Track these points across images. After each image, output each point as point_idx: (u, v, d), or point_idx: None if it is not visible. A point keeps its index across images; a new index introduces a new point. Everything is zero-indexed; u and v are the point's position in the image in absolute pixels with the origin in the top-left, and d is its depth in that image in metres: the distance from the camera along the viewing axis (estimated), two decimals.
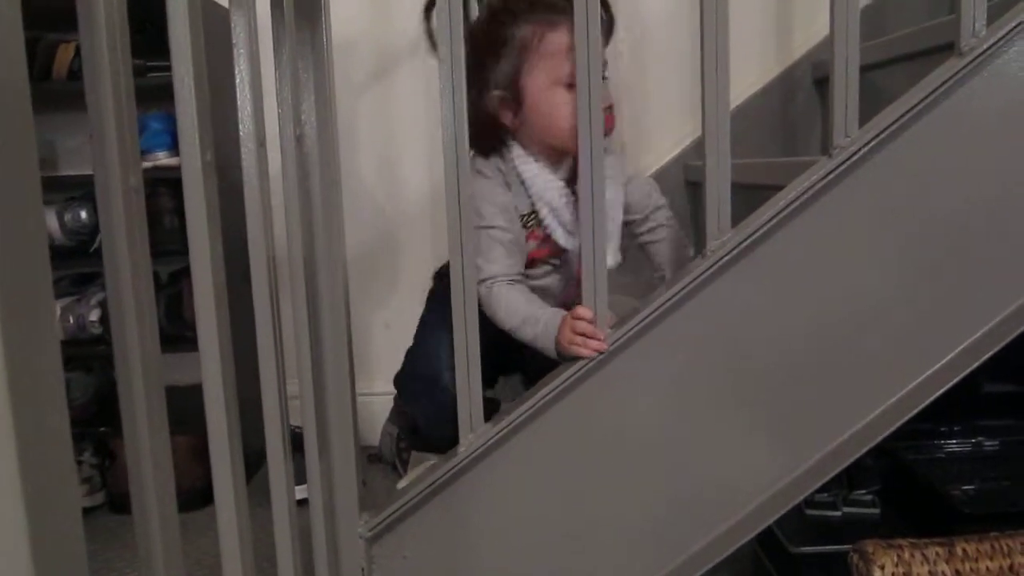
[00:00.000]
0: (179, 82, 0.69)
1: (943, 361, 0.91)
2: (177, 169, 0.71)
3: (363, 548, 0.97)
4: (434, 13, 0.93)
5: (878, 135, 0.88)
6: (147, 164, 1.64)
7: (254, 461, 0.98)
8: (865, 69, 0.90)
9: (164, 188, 1.69)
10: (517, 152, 1.08)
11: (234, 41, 0.77)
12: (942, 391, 0.91)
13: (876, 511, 1.31)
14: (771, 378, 0.94)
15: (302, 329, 0.89)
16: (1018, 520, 1.10)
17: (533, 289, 1.09)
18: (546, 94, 1.04)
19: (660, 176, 1.77)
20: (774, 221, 0.90)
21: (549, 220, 1.07)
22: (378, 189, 1.88)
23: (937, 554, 0.91)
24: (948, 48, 0.89)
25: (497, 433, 0.94)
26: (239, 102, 0.78)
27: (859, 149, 0.88)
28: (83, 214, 1.73)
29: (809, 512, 1.29)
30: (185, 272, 0.77)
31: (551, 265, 1.15)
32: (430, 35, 1.06)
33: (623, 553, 0.97)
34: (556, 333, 0.96)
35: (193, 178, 0.71)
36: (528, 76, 1.05)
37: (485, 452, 0.95)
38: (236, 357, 0.76)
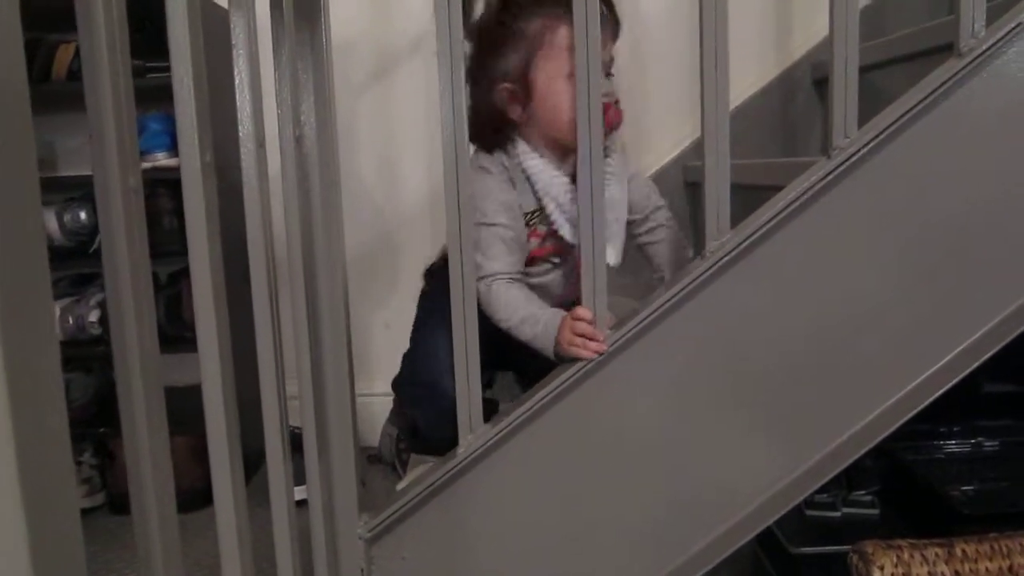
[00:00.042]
0: (178, 83, 0.69)
1: (942, 362, 0.91)
2: (176, 170, 0.71)
3: (362, 549, 0.97)
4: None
5: (877, 136, 0.88)
6: (146, 165, 1.64)
7: (253, 462, 0.98)
8: (864, 70, 0.90)
9: (163, 189, 1.69)
10: (522, 148, 1.08)
11: (233, 42, 0.77)
12: (941, 392, 0.91)
13: (875, 512, 1.31)
14: (770, 379, 0.94)
15: (301, 329, 0.89)
16: (1017, 521, 1.10)
17: (532, 287, 1.08)
18: (555, 87, 1.04)
19: (659, 176, 1.77)
20: (773, 222, 0.90)
21: (556, 216, 1.07)
22: (378, 189, 1.88)
23: (936, 555, 0.91)
24: (947, 49, 0.89)
25: (496, 434, 0.94)
26: (238, 103, 0.78)
27: (858, 150, 0.88)
28: (82, 215, 1.73)
29: (809, 513, 1.29)
30: (185, 273, 0.77)
31: (551, 263, 1.15)
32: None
33: (623, 554, 0.97)
34: (555, 334, 0.96)
35: (192, 179, 0.71)
36: (537, 69, 1.05)
37: (484, 453, 0.95)
38: (235, 357, 0.76)
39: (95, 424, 1.75)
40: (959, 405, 1.26)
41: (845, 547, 0.98)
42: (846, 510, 1.31)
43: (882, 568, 0.90)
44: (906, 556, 0.90)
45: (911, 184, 0.90)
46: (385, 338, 1.86)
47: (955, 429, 1.44)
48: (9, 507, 0.45)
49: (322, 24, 0.89)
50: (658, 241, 1.19)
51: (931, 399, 0.92)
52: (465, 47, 1.08)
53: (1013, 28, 0.86)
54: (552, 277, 1.15)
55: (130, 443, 0.66)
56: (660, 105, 1.81)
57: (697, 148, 0.93)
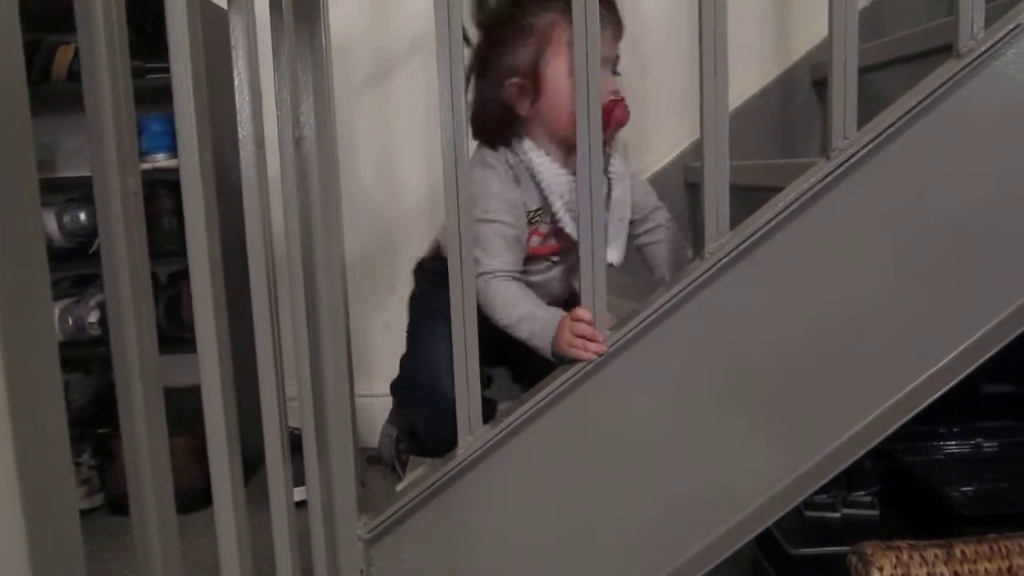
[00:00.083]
0: (177, 83, 0.69)
1: (941, 363, 0.91)
2: (177, 171, 0.71)
3: (362, 550, 0.97)
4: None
5: (876, 137, 0.88)
6: (146, 166, 1.65)
7: (253, 462, 0.98)
8: (864, 71, 0.90)
9: (164, 189, 1.69)
10: (528, 145, 1.08)
11: (233, 43, 0.78)
12: (940, 393, 0.91)
13: (875, 513, 1.31)
14: (770, 380, 0.94)
15: (301, 330, 0.89)
16: (1017, 521, 1.10)
17: (530, 285, 1.08)
18: (565, 83, 1.03)
19: (659, 177, 1.77)
20: (772, 223, 0.90)
21: (562, 214, 1.06)
22: (377, 190, 1.88)
23: (936, 556, 0.91)
24: (946, 50, 0.89)
25: (495, 435, 0.94)
26: (238, 104, 0.78)
27: (857, 151, 0.88)
28: (82, 216, 1.74)
29: (808, 514, 1.29)
30: (184, 273, 0.77)
31: (550, 262, 1.15)
32: (465, 35, 1.06)
33: (622, 555, 0.97)
34: (554, 333, 0.96)
35: (191, 180, 0.71)
36: (547, 65, 1.04)
37: (484, 454, 0.95)
38: (235, 358, 0.76)
39: (94, 425, 1.75)
40: (958, 406, 1.26)
41: (844, 548, 0.98)
42: (845, 511, 1.31)
43: (881, 569, 0.90)
44: (905, 557, 0.90)
45: (910, 185, 0.90)
46: (384, 339, 1.86)
47: (954, 430, 1.44)
48: (8, 508, 0.45)
49: (321, 25, 0.89)
50: (657, 241, 1.19)
51: (930, 400, 0.92)
52: (473, 41, 1.09)
53: (1012, 29, 0.86)
54: (550, 275, 1.15)
55: (129, 444, 0.66)
56: (660, 105, 1.81)
57: (697, 149, 0.93)
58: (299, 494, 0.90)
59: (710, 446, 0.95)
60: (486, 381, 1.10)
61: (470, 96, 1.10)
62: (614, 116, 1.04)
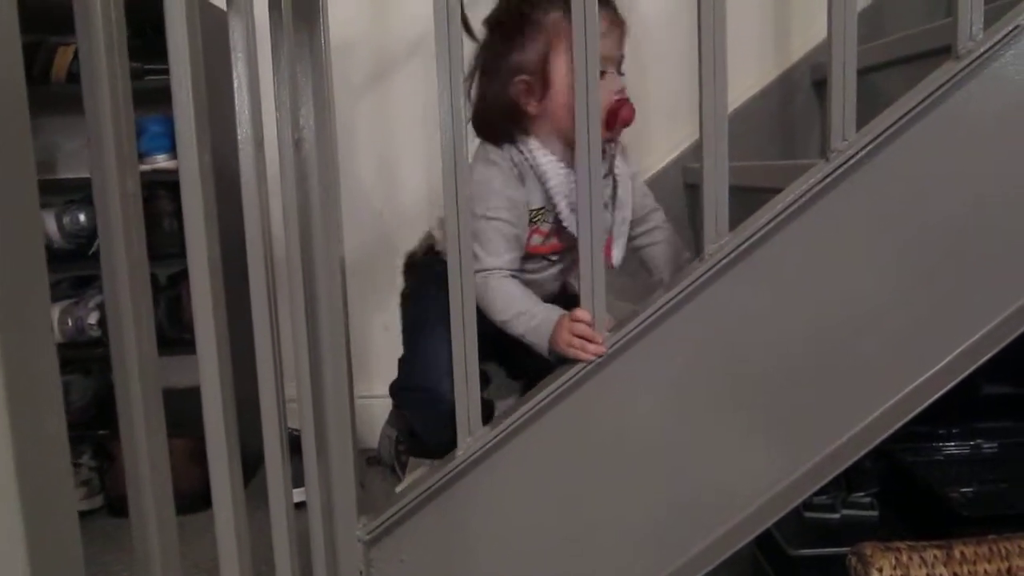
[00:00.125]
0: (177, 85, 0.69)
1: (940, 365, 0.91)
2: (176, 172, 0.71)
3: (361, 551, 0.97)
4: None
5: (875, 139, 0.88)
6: (146, 167, 1.65)
7: (252, 464, 0.98)
8: (863, 71, 0.90)
9: (163, 191, 1.69)
10: (534, 143, 1.07)
11: (232, 45, 0.78)
12: (940, 394, 0.91)
13: (875, 513, 1.31)
14: (769, 381, 0.94)
15: (300, 331, 0.89)
16: (1016, 522, 1.10)
17: (525, 283, 1.08)
18: (573, 82, 1.04)
19: (659, 178, 1.77)
20: (771, 224, 0.90)
21: (567, 214, 1.06)
22: (377, 191, 1.88)
23: (935, 557, 0.91)
24: (945, 51, 0.89)
25: (495, 436, 0.94)
26: (237, 105, 0.78)
27: (856, 153, 0.88)
28: (82, 217, 1.73)
29: (808, 515, 1.29)
30: (185, 275, 0.77)
31: (548, 260, 1.15)
32: (465, 22, 1.06)
33: (622, 556, 0.97)
34: (551, 331, 0.96)
35: (191, 181, 0.71)
36: (556, 62, 1.04)
37: (483, 456, 0.95)
38: (234, 359, 0.76)
39: (94, 426, 1.75)
40: (958, 407, 1.26)
41: (844, 549, 0.98)
42: (845, 512, 1.31)
43: (880, 570, 0.90)
44: (904, 558, 0.90)
45: (909, 186, 0.90)
46: (384, 340, 1.86)
47: (954, 431, 1.44)
48: (7, 509, 0.45)
49: (321, 26, 0.89)
50: (655, 243, 1.19)
51: (930, 401, 0.92)
52: (478, 37, 1.09)
53: (1011, 31, 0.86)
54: (546, 274, 1.15)
55: (128, 445, 0.67)
56: (660, 106, 1.81)
57: (697, 150, 0.93)
58: (298, 495, 0.90)
59: (710, 447, 0.95)
60: (484, 381, 1.10)
61: (473, 93, 1.10)
62: (620, 116, 1.04)
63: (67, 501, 0.50)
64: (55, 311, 1.67)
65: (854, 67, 0.88)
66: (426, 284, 1.14)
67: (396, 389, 1.21)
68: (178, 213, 1.57)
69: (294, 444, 0.89)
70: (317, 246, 0.91)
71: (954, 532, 1.03)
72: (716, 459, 0.95)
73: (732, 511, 0.94)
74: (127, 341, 0.64)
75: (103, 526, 1.63)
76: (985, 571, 0.91)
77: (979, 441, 1.43)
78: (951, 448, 1.43)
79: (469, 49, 0.95)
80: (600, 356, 0.92)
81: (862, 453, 0.93)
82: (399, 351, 1.21)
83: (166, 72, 0.70)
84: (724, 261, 0.90)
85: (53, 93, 1.68)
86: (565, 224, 1.07)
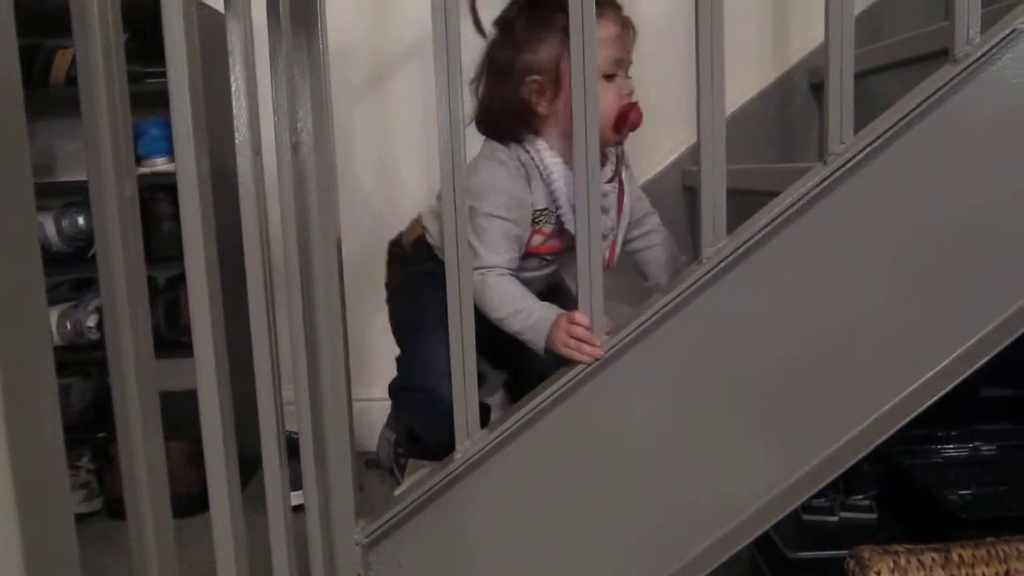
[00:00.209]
0: (174, 88, 0.69)
1: (938, 368, 0.91)
2: (175, 175, 0.71)
3: (359, 555, 0.97)
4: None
5: (873, 142, 0.88)
6: (145, 170, 1.65)
7: (250, 466, 0.98)
8: (861, 75, 0.90)
9: (163, 194, 1.69)
10: (541, 145, 1.07)
11: (230, 48, 0.78)
12: (937, 397, 0.91)
13: (873, 516, 1.31)
14: (767, 384, 0.94)
15: (298, 334, 0.89)
16: (1015, 525, 1.10)
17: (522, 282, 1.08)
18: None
19: (658, 181, 1.77)
20: (769, 228, 0.90)
21: (570, 217, 1.06)
22: (375, 193, 1.88)
23: (933, 560, 0.91)
24: (943, 54, 0.89)
25: (493, 439, 0.94)
26: (235, 109, 0.78)
27: (854, 156, 0.88)
28: (80, 220, 1.73)
29: (806, 517, 1.29)
30: (183, 277, 0.77)
31: (545, 260, 1.15)
32: (476, 20, 1.06)
33: (620, 559, 0.97)
34: (548, 330, 0.96)
35: (189, 184, 0.71)
36: (568, 64, 1.04)
37: (482, 459, 0.95)
38: (232, 362, 0.76)
39: (93, 429, 1.75)
40: (956, 409, 1.26)
41: (842, 552, 0.98)
42: (843, 515, 1.31)
43: (878, 573, 0.90)
44: (903, 561, 0.90)
45: (906, 190, 0.90)
46: (383, 342, 1.85)
47: (953, 433, 1.44)
48: (3, 513, 0.45)
49: (319, 30, 0.89)
50: (651, 247, 1.19)
51: (927, 404, 0.92)
52: (487, 35, 1.09)
53: (1008, 34, 0.86)
54: (542, 274, 1.15)
55: (125, 448, 0.67)
56: (658, 109, 1.81)
57: (695, 153, 0.93)
58: (296, 498, 0.90)
59: (708, 450, 0.95)
60: (479, 380, 1.09)
61: (479, 91, 1.10)
62: (629, 119, 1.04)
63: (64, 504, 0.50)
64: (54, 314, 1.67)
65: (851, 71, 0.88)
66: (422, 282, 1.14)
67: (395, 389, 1.21)
68: (177, 216, 1.57)
69: (292, 447, 0.89)
70: (315, 248, 0.91)
71: (952, 535, 1.03)
72: (714, 462, 0.95)
73: (730, 514, 0.94)
74: (124, 344, 0.64)
75: (102, 528, 1.62)
76: (983, 574, 0.91)
77: (977, 444, 1.43)
78: (949, 451, 1.43)
79: (468, 51, 0.95)
80: (597, 359, 0.92)
81: (860, 456, 0.93)
82: (397, 352, 1.21)
83: (165, 75, 0.70)
84: (722, 264, 0.90)
85: (52, 96, 1.68)
86: (568, 226, 1.07)
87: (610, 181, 1.10)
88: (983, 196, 0.90)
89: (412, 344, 1.15)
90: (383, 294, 1.34)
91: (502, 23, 1.08)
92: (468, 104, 0.97)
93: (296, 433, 0.92)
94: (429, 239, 1.15)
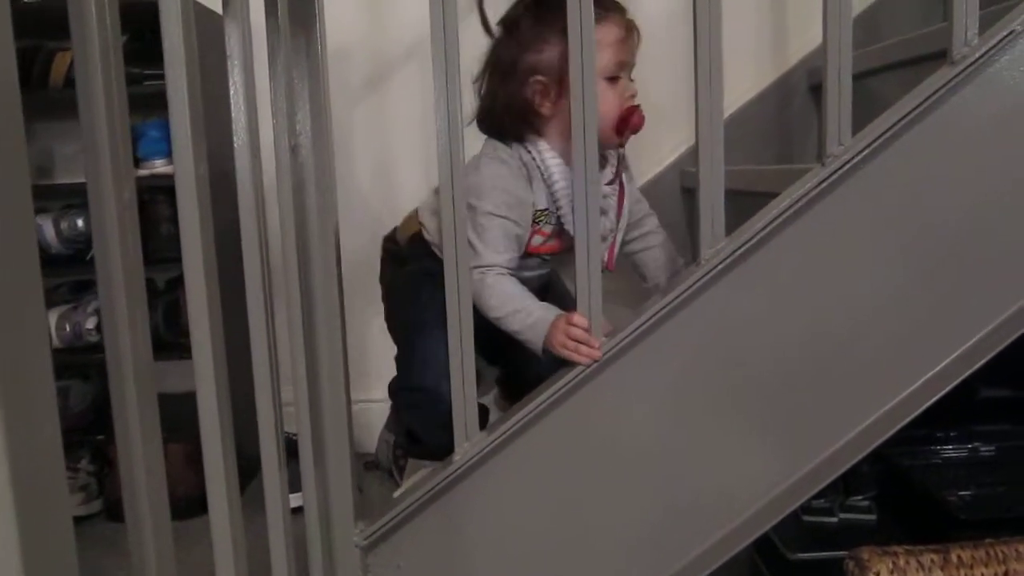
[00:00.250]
0: (173, 90, 0.69)
1: (936, 369, 0.91)
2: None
3: (358, 557, 0.96)
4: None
5: (871, 143, 0.88)
6: (145, 172, 1.64)
7: (249, 468, 0.98)
8: (859, 76, 0.90)
9: (162, 196, 1.69)
10: (543, 146, 1.08)
11: (228, 50, 0.78)
12: (935, 399, 0.91)
13: (872, 517, 1.31)
14: (766, 386, 0.94)
15: (297, 335, 0.89)
16: (1014, 526, 1.10)
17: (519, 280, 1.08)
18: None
19: (657, 182, 1.77)
20: (768, 229, 0.90)
21: (571, 218, 1.06)
22: (374, 195, 1.88)
23: (932, 561, 0.91)
24: (941, 56, 0.90)
25: (493, 441, 0.94)
26: (233, 112, 0.78)
27: (852, 158, 0.89)
28: (80, 222, 1.73)
29: (806, 518, 1.29)
30: (183, 279, 0.77)
31: (543, 260, 1.15)
32: (483, 19, 1.06)
33: (620, 560, 0.97)
34: (547, 331, 0.96)
35: (187, 186, 0.71)
36: None
37: (481, 460, 0.95)
38: (231, 364, 0.76)
39: (93, 431, 1.74)
40: (956, 410, 1.26)
41: (842, 553, 0.98)
42: (843, 515, 1.31)
43: (877, 574, 0.90)
44: (902, 562, 0.90)
45: (905, 191, 0.90)
46: (382, 343, 1.85)
47: (952, 434, 1.44)
48: (2, 514, 0.45)
49: (317, 31, 0.89)
50: (649, 248, 1.19)
51: (926, 406, 0.92)
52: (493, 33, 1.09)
53: (1006, 36, 0.86)
54: (539, 273, 1.15)
55: (124, 450, 0.67)
56: (657, 109, 1.81)
57: (695, 154, 0.93)
58: (295, 500, 0.90)
59: (707, 451, 0.95)
60: (476, 380, 1.09)
61: (482, 89, 1.10)
62: (631, 122, 1.05)
63: (62, 507, 0.50)
64: (53, 316, 1.67)
65: (849, 72, 0.88)
66: (420, 280, 1.13)
67: (395, 389, 1.20)
68: (176, 218, 1.57)
69: (291, 448, 0.89)
70: (314, 250, 0.91)
71: (952, 535, 1.03)
72: (714, 463, 0.95)
73: (730, 515, 0.94)
74: (122, 347, 0.64)
75: (102, 531, 1.62)
76: (982, 575, 0.91)
77: (977, 444, 1.43)
78: (949, 451, 1.43)
79: (467, 52, 0.95)
80: (596, 361, 0.92)
81: (859, 457, 0.93)
82: (395, 353, 1.21)
83: (164, 77, 0.70)
84: (720, 266, 0.90)
85: (51, 98, 1.68)
86: (568, 227, 1.07)
87: (610, 183, 1.10)
88: (982, 197, 0.90)
89: (411, 344, 1.15)
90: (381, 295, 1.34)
91: (507, 22, 1.09)
92: (467, 105, 0.97)
93: (295, 435, 0.92)
94: (426, 236, 1.15)
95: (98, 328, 1.69)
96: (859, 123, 0.89)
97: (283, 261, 0.88)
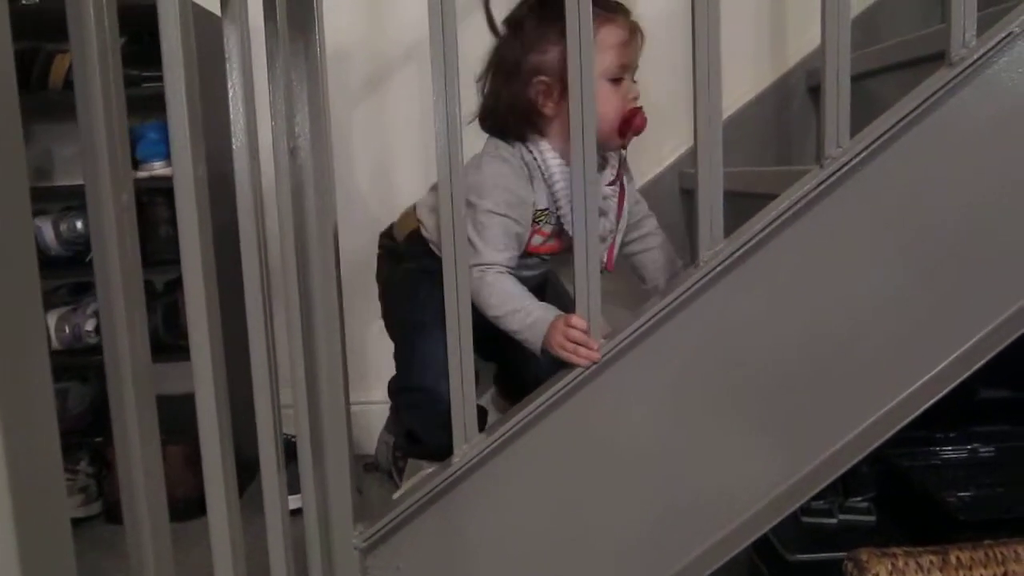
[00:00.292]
0: (171, 92, 0.69)
1: (935, 370, 0.91)
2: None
3: (357, 559, 0.96)
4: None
5: (869, 145, 0.88)
6: (144, 174, 1.65)
7: (249, 470, 0.98)
8: (858, 77, 0.90)
9: (161, 198, 1.69)
10: (544, 146, 1.08)
11: (227, 52, 0.78)
12: (933, 401, 0.91)
13: (872, 518, 1.31)
14: (765, 387, 0.94)
15: (296, 337, 0.89)
16: (1013, 527, 1.10)
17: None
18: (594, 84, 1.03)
19: (656, 183, 1.77)
20: (766, 231, 0.90)
21: (570, 218, 1.06)
22: (373, 197, 1.88)
23: (931, 562, 0.91)
24: (939, 58, 0.90)
25: (491, 443, 0.94)
26: (232, 115, 0.78)
27: (851, 159, 0.89)
28: (79, 224, 1.73)
29: (805, 519, 1.29)
30: (182, 281, 0.77)
31: (542, 259, 1.15)
32: (490, 19, 1.06)
33: (620, 561, 0.97)
34: (546, 331, 0.96)
35: (185, 188, 0.71)
36: None
37: (480, 462, 0.95)
38: (230, 366, 0.76)
39: (92, 433, 1.74)
40: (955, 411, 1.27)
41: (841, 554, 0.98)
42: (842, 517, 1.31)
43: (876, 575, 0.90)
44: (900, 564, 0.90)
45: (903, 193, 0.90)
46: (381, 345, 1.85)
47: (951, 435, 1.44)
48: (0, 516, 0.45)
49: (316, 33, 0.89)
50: (648, 249, 1.19)
51: (924, 407, 0.92)
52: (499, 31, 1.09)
53: (1004, 38, 0.86)
54: (537, 273, 1.15)
55: (122, 453, 0.67)
56: (656, 110, 1.81)
57: (694, 155, 0.93)
58: (294, 502, 0.90)
59: (707, 452, 0.95)
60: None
61: (485, 88, 1.10)
62: (633, 124, 1.05)
63: (60, 509, 0.50)
64: (52, 318, 1.67)
65: (847, 74, 0.88)
66: (418, 278, 1.13)
67: (394, 389, 1.20)
68: (175, 220, 1.57)
69: (290, 450, 0.89)
70: (313, 252, 0.91)
71: (951, 536, 1.04)
72: (713, 464, 0.95)
73: (729, 516, 0.94)
74: (121, 349, 0.64)
75: (101, 533, 1.62)
76: None
77: (976, 445, 1.43)
78: (948, 452, 1.43)
79: (466, 53, 0.95)
80: (595, 362, 0.92)
81: (859, 458, 0.93)
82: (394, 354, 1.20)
83: (163, 79, 0.70)
84: (719, 268, 0.91)
85: (50, 100, 1.68)
86: (568, 228, 1.07)
87: (611, 184, 1.10)
88: (980, 198, 0.90)
89: (410, 343, 1.15)
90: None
91: (512, 22, 1.09)
92: (466, 106, 0.97)
93: (294, 436, 0.92)
94: (424, 233, 1.15)
95: (97, 330, 1.69)
96: (858, 125, 0.89)
97: (282, 263, 0.88)
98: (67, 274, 1.81)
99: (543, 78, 1.06)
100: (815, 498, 1.00)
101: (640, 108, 1.07)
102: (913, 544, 0.96)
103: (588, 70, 0.90)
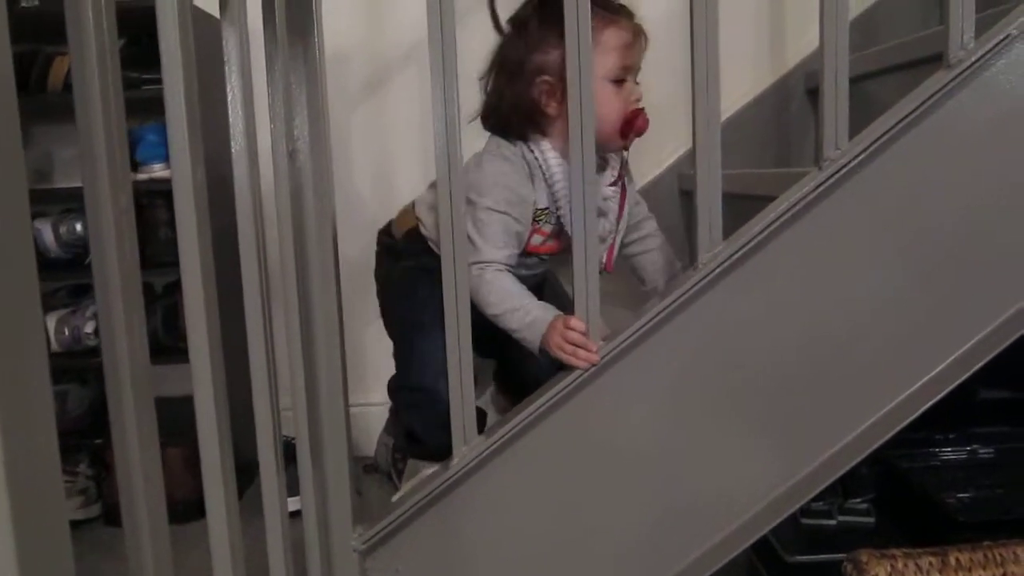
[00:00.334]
0: (170, 94, 0.69)
1: (934, 372, 0.91)
2: None
3: (357, 561, 0.96)
4: None
5: (868, 147, 0.88)
6: (143, 176, 1.65)
7: (248, 472, 0.98)
8: (857, 79, 0.90)
9: (160, 200, 1.69)
10: (546, 146, 1.08)
11: (226, 55, 0.78)
12: (932, 402, 0.91)
13: (871, 520, 1.31)
14: (764, 389, 0.94)
15: (295, 340, 0.89)
16: (1012, 528, 1.10)
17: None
18: (595, 86, 1.04)
19: (656, 185, 1.77)
20: (765, 233, 0.90)
21: (570, 219, 1.07)
22: (372, 199, 1.88)
23: (930, 563, 0.91)
24: (937, 59, 0.90)
25: (491, 445, 0.94)
26: (231, 118, 0.78)
27: (849, 161, 0.89)
28: (78, 226, 1.73)
29: (804, 521, 1.29)
30: (181, 283, 0.77)
31: (541, 259, 1.15)
32: (495, 18, 1.06)
33: (619, 563, 0.97)
34: (545, 331, 0.96)
35: (184, 190, 0.71)
36: None
37: (479, 464, 0.95)
38: (229, 368, 0.76)
39: (91, 435, 1.74)
40: (955, 412, 1.26)
41: (841, 555, 0.98)
42: (842, 518, 1.31)
43: None
44: (900, 565, 0.90)
45: (902, 195, 0.90)
46: (380, 347, 1.85)
47: (951, 436, 1.44)
48: None
49: (315, 35, 0.89)
50: (648, 251, 1.19)
51: (923, 409, 0.92)
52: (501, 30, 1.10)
53: (1002, 40, 0.86)
54: (536, 272, 1.15)
55: (121, 455, 0.67)
56: (656, 112, 1.81)
57: (692, 157, 0.93)
58: (294, 504, 0.90)
59: (706, 454, 0.95)
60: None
61: (488, 87, 1.10)
62: (635, 125, 1.05)
63: (59, 511, 0.50)
64: (52, 320, 1.67)
65: (846, 76, 0.88)
66: (416, 277, 1.13)
67: (394, 388, 1.20)
68: (174, 222, 1.57)
69: (289, 452, 0.89)
70: (312, 254, 0.91)
71: (950, 538, 1.03)
72: (712, 466, 0.95)
73: (729, 518, 0.94)
74: (120, 351, 0.64)
75: (100, 535, 1.62)
76: None
77: (975, 446, 1.43)
78: (947, 453, 1.43)
79: (465, 55, 0.95)
80: (593, 364, 0.92)
81: (858, 460, 0.93)
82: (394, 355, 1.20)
83: (161, 81, 0.70)
84: (718, 269, 0.91)
85: (50, 102, 1.67)
86: (568, 228, 1.07)
87: (612, 185, 1.10)
88: (978, 200, 0.90)
89: (409, 342, 1.15)
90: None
91: (516, 21, 1.09)
92: (465, 107, 0.97)
93: (293, 438, 0.92)
94: (423, 231, 1.15)
95: (96, 332, 1.69)
96: (856, 126, 0.89)
97: (281, 265, 0.88)
98: (66, 276, 1.81)
99: (546, 78, 1.06)
100: (814, 500, 1.00)
101: (642, 110, 1.07)
102: (912, 545, 0.96)
103: (587, 71, 0.90)
